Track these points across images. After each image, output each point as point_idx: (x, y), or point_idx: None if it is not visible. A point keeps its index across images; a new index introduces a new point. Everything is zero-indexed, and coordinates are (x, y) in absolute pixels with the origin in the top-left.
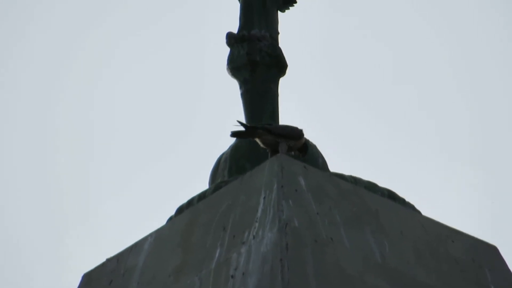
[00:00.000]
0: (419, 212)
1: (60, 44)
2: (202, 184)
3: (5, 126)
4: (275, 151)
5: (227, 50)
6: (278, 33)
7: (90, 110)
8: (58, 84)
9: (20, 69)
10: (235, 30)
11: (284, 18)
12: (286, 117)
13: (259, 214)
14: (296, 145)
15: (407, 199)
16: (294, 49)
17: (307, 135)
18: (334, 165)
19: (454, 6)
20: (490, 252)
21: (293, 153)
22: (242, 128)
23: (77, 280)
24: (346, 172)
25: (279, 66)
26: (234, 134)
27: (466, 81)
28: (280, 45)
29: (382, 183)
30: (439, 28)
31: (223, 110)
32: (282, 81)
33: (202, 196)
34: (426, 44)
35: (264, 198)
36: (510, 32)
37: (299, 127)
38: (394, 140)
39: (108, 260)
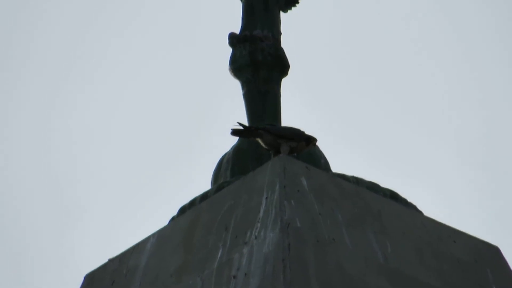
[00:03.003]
0: (421, 213)
1: (64, 48)
2: (204, 184)
3: (8, 125)
4: (277, 152)
5: (229, 50)
6: (280, 33)
7: (92, 110)
8: (62, 87)
9: (25, 69)
10: (237, 30)
11: (287, 18)
12: (291, 116)
13: (261, 214)
14: (299, 146)
15: (409, 199)
16: (298, 49)
17: (313, 134)
18: (340, 164)
19: (460, 9)
20: (492, 252)
21: (295, 154)
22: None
23: (79, 280)
24: (350, 171)
25: (281, 66)
26: (234, 132)
27: (470, 81)
28: (282, 45)
29: (385, 182)
30: (448, 28)
31: (224, 110)
32: (285, 81)
33: (204, 197)
34: (433, 43)
35: (266, 198)
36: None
37: (301, 129)
38: (397, 140)
39: (111, 260)
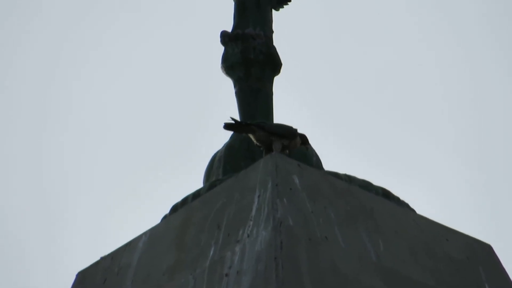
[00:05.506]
0: (413, 211)
1: (61, 45)
2: (196, 182)
3: (1, 125)
4: (269, 150)
5: (221, 48)
6: (272, 31)
7: (85, 108)
8: (57, 85)
9: (19, 69)
10: (229, 28)
11: (280, 16)
12: (284, 114)
13: (253, 212)
14: (291, 144)
15: (403, 198)
16: (290, 47)
17: (306, 132)
18: (332, 163)
19: (460, 9)
20: (484, 250)
21: (287, 151)
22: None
23: (71, 278)
24: (343, 169)
25: (273, 64)
26: (227, 126)
27: (466, 80)
28: (274, 43)
29: (379, 180)
30: (447, 28)
31: (218, 109)
32: (278, 79)
33: (196, 195)
34: (430, 42)
35: (259, 196)
36: (509, 32)
37: (294, 126)
38: (392, 138)
39: (103, 258)
